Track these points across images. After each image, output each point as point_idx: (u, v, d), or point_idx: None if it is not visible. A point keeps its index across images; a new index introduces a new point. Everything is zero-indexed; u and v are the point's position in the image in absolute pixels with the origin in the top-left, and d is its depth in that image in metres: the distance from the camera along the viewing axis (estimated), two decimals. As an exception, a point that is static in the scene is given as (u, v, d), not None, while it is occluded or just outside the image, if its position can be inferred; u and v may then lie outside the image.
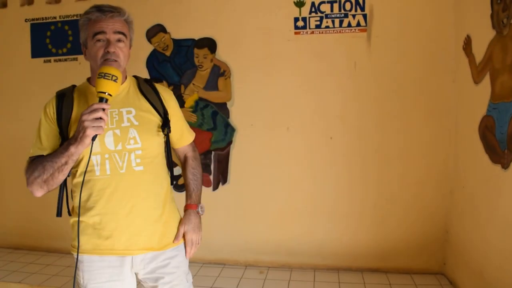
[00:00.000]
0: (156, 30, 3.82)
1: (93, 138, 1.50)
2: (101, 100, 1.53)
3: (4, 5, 4.10)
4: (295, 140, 3.60)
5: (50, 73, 4.02)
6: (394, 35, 3.37)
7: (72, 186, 1.73)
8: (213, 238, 3.75)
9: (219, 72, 3.73)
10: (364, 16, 3.38)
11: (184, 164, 1.99)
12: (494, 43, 2.60)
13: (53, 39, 4.02)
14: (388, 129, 3.43)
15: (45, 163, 1.57)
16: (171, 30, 3.79)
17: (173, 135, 1.84)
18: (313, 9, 3.47)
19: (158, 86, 1.87)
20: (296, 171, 3.61)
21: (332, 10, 3.44)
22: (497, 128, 2.53)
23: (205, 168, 3.81)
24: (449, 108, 3.32)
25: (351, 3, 3.40)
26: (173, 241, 1.80)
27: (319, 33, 3.48)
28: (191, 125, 3.74)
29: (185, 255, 1.86)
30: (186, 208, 1.91)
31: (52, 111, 1.69)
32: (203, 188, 3.67)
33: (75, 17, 3.93)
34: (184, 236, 1.85)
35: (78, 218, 1.62)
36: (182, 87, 3.81)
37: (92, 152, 1.56)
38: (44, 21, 4.01)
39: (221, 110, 3.76)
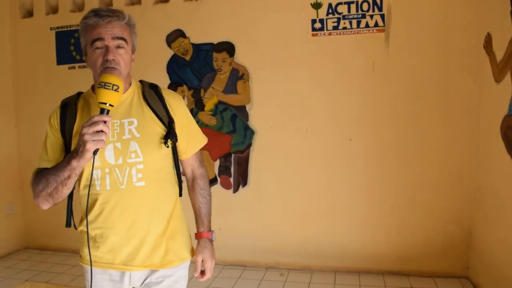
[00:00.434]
0: (175, 35, 3.88)
1: (95, 152, 1.42)
2: (102, 111, 1.45)
3: (30, 14, 4.25)
4: (314, 142, 3.59)
5: (74, 79, 4.13)
6: (413, 35, 3.32)
7: (80, 198, 1.66)
8: (234, 240, 3.78)
9: (238, 76, 3.76)
10: (382, 16, 3.35)
11: (191, 184, 1.85)
12: (515, 41, 2.54)
13: (77, 46, 4.13)
14: (408, 130, 3.38)
15: (49, 177, 1.51)
16: (190, 35, 3.84)
17: (178, 145, 1.72)
18: (330, 11, 3.46)
19: (165, 92, 1.75)
20: (315, 173, 3.60)
21: (349, 11, 3.42)
22: (518, 128, 2.47)
23: (226, 170, 3.84)
24: (470, 108, 3.26)
25: (369, 3, 3.37)
26: (194, 274, 1.75)
27: (337, 34, 3.47)
28: (212, 128, 3.80)
29: (198, 279, 1.78)
30: (200, 237, 1.80)
31: (56, 121, 1.64)
32: (224, 190, 3.80)
33: (97, 25, 4.02)
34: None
35: (87, 229, 1.57)
36: (202, 90, 3.86)
37: (93, 166, 1.49)
38: (68, 29, 4.14)
39: (240, 113, 3.79)
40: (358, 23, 3.41)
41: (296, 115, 3.63)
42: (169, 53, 3.91)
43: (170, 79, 3.93)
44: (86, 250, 1.61)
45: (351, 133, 3.50)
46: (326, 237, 3.57)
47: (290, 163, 3.66)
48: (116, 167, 1.58)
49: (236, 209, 3.80)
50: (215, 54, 3.80)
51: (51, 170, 1.53)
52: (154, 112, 1.66)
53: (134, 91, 1.69)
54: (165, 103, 1.71)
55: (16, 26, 4.30)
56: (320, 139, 3.58)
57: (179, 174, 1.77)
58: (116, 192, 1.59)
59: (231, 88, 3.79)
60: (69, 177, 1.48)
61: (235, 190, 3.83)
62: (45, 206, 1.57)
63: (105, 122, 1.41)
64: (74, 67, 4.15)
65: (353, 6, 3.41)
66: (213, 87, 3.83)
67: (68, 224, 1.68)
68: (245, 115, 3.77)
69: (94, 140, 1.38)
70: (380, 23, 3.36)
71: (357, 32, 3.42)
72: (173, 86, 3.92)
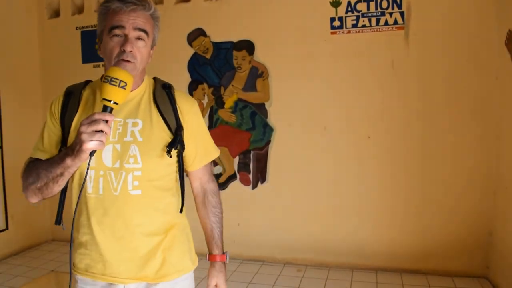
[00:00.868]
0: (196, 34, 3.95)
1: (91, 153, 1.27)
2: (105, 109, 1.29)
3: (57, 14, 4.39)
4: (332, 139, 3.61)
5: (99, 77, 4.24)
6: (433, 32, 3.30)
7: (74, 199, 1.49)
8: (252, 235, 3.84)
9: (257, 73, 3.81)
10: (402, 13, 3.34)
11: (201, 200, 1.67)
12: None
13: (101, 45, 4.24)
14: (428, 129, 3.36)
15: (40, 171, 1.37)
16: (211, 34, 3.91)
17: (186, 155, 1.56)
18: (349, 9, 3.47)
19: (178, 95, 1.56)
20: (333, 170, 3.62)
21: (368, 8, 3.42)
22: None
23: (245, 167, 3.90)
24: (492, 106, 3.22)
25: (388, 1, 3.37)
26: None
27: (356, 32, 3.47)
28: (231, 125, 3.86)
29: None
30: (214, 260, 1.67)
31: (57, 109, 1.49)
32: (243, 186, 3.85)
33: (121, 24, 4.13)
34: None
35: (71, 231, 1.42)
36: (222, 88, 3.92)
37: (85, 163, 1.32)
38: (93, 28, 4.25)
39: (259, 110, 3.83)
40: (378, 20, 3.41)
41: (315, 112, 3.65)
42: (190, 51, 3.98)
43: (191, 77, 4.00)
44: (77, 257, 1.49)
45: (369, 130, 3.50)
46: (344, 234, 3.59)
47: (309, 160, 3.69)
48: (111, 170, 1.42)
49: (254, 205, 3.85)
50: (235, 53, 3.85)
51: (43, 164, 1.39)
52: (162, 116, 1.50)
53: (145, 89, 1.53)
54: (176, 107, 1.53)
55: (44, 26, 4.45)
56: (338, 136, 3.59)
57: (183, 187, 1.58)
58: (109, 197, 1.43)
59: (250, 85, 3.84)
60: (61, 174, 1.34)
61: (254, 186, 3.88)
62: (34, 200, 1.43)
63: (106, 121, 1.26)
64: (98, 65, 4.27)
65: (372, 4, 3.41)
66: (233, 85, 3.89)
67: (57, 222, 1.50)
68: (264, 113, 3.82)
69: (92, 141, 1.23)
70: (400, 20, 3.35)
71: (376, 30, 3.42)
72: (193, 84, 3.99)
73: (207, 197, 1.68)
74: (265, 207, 3.83)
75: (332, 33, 3.54)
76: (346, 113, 3.56)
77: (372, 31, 3.43)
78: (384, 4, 3.37)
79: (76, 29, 4.32)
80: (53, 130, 1.49)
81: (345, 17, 3.48)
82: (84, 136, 1.23)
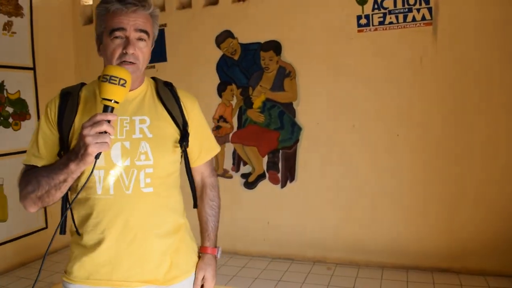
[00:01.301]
0: (224, 36, 4.02)
1: (97, 156, 1.23)
2: (106, 109, 1.27)
3: (91, 21, 4.53)
4: (361, 138, 3.60)
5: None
6: (462, 27, 3.25)
7: (73, 202, 1.44)
8: (282, 233, 3.88)
9: (284, 73, 3.84)
10: (429, 9, 3.30)
11: (200, 193, 1.70)
12: None
13: (132, 49, 4.37)
14: (458, 125, 3.31)
15: (40, 178, 1.32)
16: (238, 36, 3.96)
17: (190, 152, 1.57)
18: (375, 6, 3.45)
19: (180, 92, 1.58)
20: (362, 169, 3.61)
21: (395, 5, 3.40)
22: None
23: (274, 166, 3.94)
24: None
25: (415, -3, 3.34)
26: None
27: (383, 29, 3.45)
28: (260, 125, 3.91)
29: None
30: (204, 252, 1.66)
31: (53, 112, 1.43)
32: (272, 185, 3.89)
33: (151, 28, 4.24)
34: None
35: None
36: (250, 89, 3.97)
37: (96, 166, 1.27)
38: (125, 33, 4.38)
39: (287, 109, 3.86)
40: (405, 17, 3.38)
41: (343, 111, 3.65)
42: (218, 53, 4.05)
43: (220, 78, 4.07)
44: (76, 265, 1.43)
45: (398, 128, 3.48)
46: (373, 232, 3.58)
47: (337, 158, 3.69)
48: (122, 169, 1.39)
49: (283, 203, 3.89)
50: (262, 53, 3.90)
51: (43, 171, 1.34)
52: (168, 112, 1.50)
53: (147, 87, 1.53)
54: (180, 103, 1.55)
55: (78, 32, 4.62)
56: (367, 134, 3.59)
57: (192, 183, 1.63)
58: (121, 198, 1.40)
59: (278, 85, 3.87)
60: (65, 180, 1.30)
61: (283, 185, 3.92)
62: (33, 209, 1.38)
63: (109, 121, 1.23)
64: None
65: (399, 1, 3.38)
66: (260, 85, 3.93)
67: (63, 231, 1.44)
68: (292, 112, 3.85)
69: (97, 143, 1.20)
70: (428, 16, 3.31)
71: (404, 27, 3.39)
72: (222, 85, 4.06)
73: (206, 191, 1.70)
74: (294, 205, 3.86)
75: (359, 31, 3.54)
76: (375, 111, 3.54)
77: (399, 28, 3.41)
78: (411, 0, 3.34)
79: (109, 34, 4.46)
80: (48, 135, 1.42)
81: (372, 14, 3.47)
82: (88, 139, 1.19)
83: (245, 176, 4.05)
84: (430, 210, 3.42)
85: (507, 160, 3.23)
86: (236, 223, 4.06)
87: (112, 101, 1.26)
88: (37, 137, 1.43)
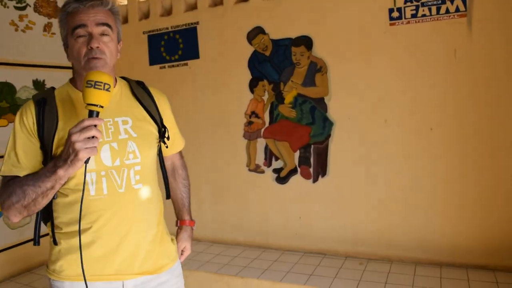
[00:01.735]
0: (255, 32, 4.06)
1: (86, 161, 1.27)
2: (91, 114, 1.29)
3: (126, 21, 4.67)
4: (393, 132, 3.57)
5: (165, 78, 4.50)
6: (498, 18, 3.15)
7: (55, 205, 1.48)
8: (314, 228, 3.90)
9: (316, 68, 3.84)
10: (464, 0, 3.22)
11: (172, 174, 1.83)
12: None
13: (166, 47, 4.48)
14: (493, 118, 3.22)
15: (26, 188, 1.32)
16: (269, 31, 3.99)
17: (163, 144, 1.65)
18: (408, -1, 3.41)
19: (152, 90, 1.67)
20: (394, 163, 3.58)
21: (428, -3, 3.34)
22: None
23: (305, 161, 3.95)
24: None
25: (449, -12, 3.27)
26: (179, 259, 1.75)
27: (415, 22, 3.40)
28: (291, 120, 3.94)
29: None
30: (184, 224, 1.86)
31: (31, 121, 1.42)
32: (304, 180, 3.92)
33: (184, 27, 4.33)
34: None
35: (79, 238, 1.38)
36: (282, 84, 3.99)
37: (86, 169, 1.33)
38: (159, 32, 4.50)
39: (319, 105, 3.87)
40: (438, 9, 3.32)
41: (375, 105, 3.63)
42: (250, 49, 4.09)
43: (252, 74, 4.11)
44: (66, 263, 1.47)
45: (431, 122, 3.43)
46: (406, 228, 3.55)
47: (369, 153, 3.67)
48: (113, 169, 1.44)
49: (315, 198, 3.91)
50: (293, 49, 3.91)
51: (28, 180, 1.34)
52: (146, 110, 1.58)
53: (121, 87, 1.59)
54: (155, 101, 1.63)
55: (114, 32, 4.75)
56: (399, 129, 3.55)
57: (165, 175, 1.73)
58: (115, 196, 1.45)
59: (309, 81, 3.88)
60: (52, 187, 1.31)
61: (315, 180, 3.93)
62: (16, 219, 1.38)
63: (95, 126, 1.26)
64: (164, 67, 4.51)
65: (432, -7, 3.33)
66: (292, 81, 3.95)
67: (37, 242, 1.48)
68: (324, 107, 3.85)
69: (87, 148, 1.23)
70: (462, 7, 3.24)
71: (437, 19, 3.33)
72: (254, 81, 4.10)
73: (177, 171, 1.86)
74: (326, 200, 3.87)
75: (391, 24, 3.49)
76: (407, 105, 3.50)
77: (432, 20, 3.35)
78: (445, -8, 3.28)
79: (143, 33, 4.59)
80: (28, 144, 1.41)
81: (404, 7, 3.42)
82: (78, 145, 1.21)
83: (277, 171, 4.09)
84: (465, 205, 3.36)
85: (546, 154, 3.13)
86: (268, 217, 4.11)
87: (98, 106, 1.29)
88: (15, 147, 1.41)
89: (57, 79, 4.11)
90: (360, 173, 3.72)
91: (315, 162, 3.93)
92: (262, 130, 4.12)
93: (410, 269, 3.40)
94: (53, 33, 4.23)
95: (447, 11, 3.28)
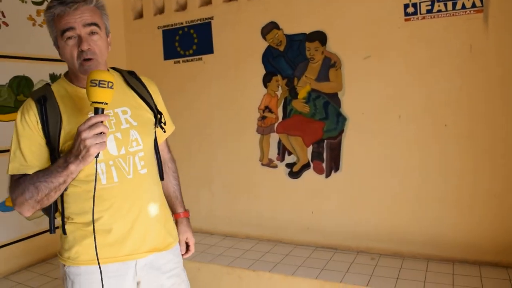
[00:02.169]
0: (270, 27, 4.07)
1: (97, 155, 1.36)
2: (97, 111, 1.37)
3: (141, 15, 4.72)
4: (407, 128, 3.56)
5: (179, 73, 4.54)
6: (515, 14, 3.13)
7: (65, 196, 1.55)
8: (326, 223, 3.91)
9: (330, 64, 3.84)
10: (480, -4, 3.21)
11: (163, 168, 1.88)
12: None
13: (181, 42, 4.51)
14: (508, 115, 3.19)
15: (38, 184, 1.39)
16: (283, 27, 4.00)
17: (158, 130, 1.75)
18: (423, -6, 3.39)
19: (143, 78, 1.76)
20: (408, 159, 3.57)
21: (444, -7, 3.32)
22: None
23: (318, 156, 3.96)
24: None
25: (465, -16, 3.25)
26: (183, 254, 1.85)
27: (431, 18, 3.38)
28: (305, 115, 3.95)
29: (182, 256, 1.86)
30: (180, 217, 1.90)
31: (34, 119, 1.47)
32: (317, 175, 3.93)
33: (198, 21, 4.36)
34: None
35: (93, 225, 1.47)
36: (295, 79, 4.00)
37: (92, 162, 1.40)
38: (173, 27, 4.53)
39: (332, 100, 3.87)
40: (454, 4, 3.29)
41: (389, 101, 3.62)
42: (264, 44, 4.10)
43: (265, 69, 4.13)
44: (81, 248, 1.53)
45: (446, 118, 3.41)
46: (418, 224, 3.54)
47: (383, 149, 3.67)
48: (119, 157, 1.53)
49: (328, 193, 3.92)
50: (307, 44, 3.92)
51: (39, 176, 1.42)
52: (142, 98, 1.67)
53: (115, 78, 1.57)
54: (147, 88, 1.73)
55: (129, 27, 4.81)
56: (413, 125, 3.54)
57: (159, 158, 1.81)
58: (124, 183, 1.54)
59: (323, 76, 3.88)
60: (64, 182, 1.40)
61: (328, 175, 3.94)
62: (29, 213, 1.47)
63: (101, 122, 1.35)
64: (178, 62, 4.54)
65: (448, -12, 3.30)
66: (306, 76, 3.96)
67: (53, 231, 1.59)
68: (337, 102, 3.85)
69: (96, 144, 1.32)
70: (478, 3, 3.21)
71: (453, 14, 3.31)
72: (268, 76, 4.12)
73: (167, 164, 1.92)
74: (338, 195, 3.88)
75: (406, 19, 3.48)
76: (421, 101, 3.49)
77: (448, 16, 3.32)
78: (461, -13, 3.25)
79: (158, 28, 4.63)
80: (33, 143, 1.47)
81: (420, 2, 3.40)
82: (88, 142, 1.30)
83: (289, 165, 4.10)
84: (478, 202, 3.35)
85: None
86: (280, 212, 4.13)
87: (103, 103, 1.37)
88: (20, 146, 1.47)
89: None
90: (373, 169, 3.72)
91: (328, 157, 3.94)
92: (276, 125, 4.13)
93: (422, 265, 3.40)
94: (70, 28, 4.29)
95: (463, 7, 3.26)
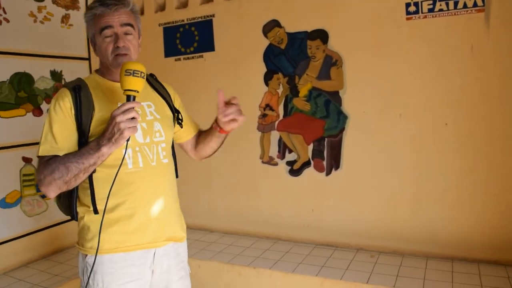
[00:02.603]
0: (271, 25, 4.07)
1: (128, 139, 1.47)
2: (129, 98, 1.49)
3: (142, 13, 4.70)
4: (408, 127, 3.57)
5: (180, 70, 4.54)
6: (517, 14, 3.15)
7: (93, 180, 1.63)
8: (326, 220, 3.93)
9: (331, 62, 3.85)
10: (482, -5, 3.22)
11: (195, 147, 2.06)
12: None
13: (182, 39, 4.51)
14: (507, 115, 3.22)
15: (69, 164, 1.48)
16: (285, 25, 4.01)
17: (178, 130, 1.93)
18: (425, -7, 3.40)
19: (162, 82, 1.96)
20: (408, 158, 3.59)
21: (446, -8, 3.33)
22: None
23: (319, 154, 3.98)
24: None
25: (467, -17, 3.26)
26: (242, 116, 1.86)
27: (432, 17, 3.40)
28: (306, 113, 3.97)
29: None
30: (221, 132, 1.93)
31: (68, 105, 1.58)
32: (317, 173, 3.95)
33: (200, 19, 4.36)
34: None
35: (103, 212, 1.57)
36: (297, 77, 4.01)
37: (122, 146, 1.50)
38: (174, 24, 4.53)
39: (333, 98, 3.88)
40: (455, 4, 3.31)
41: (390, 100, 3.63)
42: (265, 42, 4.11)
43: (267, 67, 4.14)
44: (105, 237, 1.58)
45: (447, 118, 3.43)
46: (418, 222, 3.57)
47: (383, 147, 3.69)
48: (145, 145, 1.65)
49: (328, 191, 3.94)
50: (309, 42, 3.93)
51: (70, 157, 1.50)
52: (163, 97, 1.85)
53: None
54: (166, 90, 1.93)
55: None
56: (414, 123, 3.55)
57: (175, 155, 1.91)
58: (148, 169, 1.66)
59: (324, 74, 3.89)
60: (94, 164, 1.49)
61: (328, 173, 3.96)
62: (54, 194, 1.54)
63: (133, 108, 1.47)
64: (179, 59, 4.55)
65: (450, -13, 3.31)
66: (307, 74, 3.97)
67: (75, 217, 1.68)
68: (338, 100, 3.86)
69: (129, 128, 1.42)
70: (480, 2, 3.23)
71: (454, 14, 3.32)
72: (269, 74, 4.13)
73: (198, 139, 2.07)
74: (338, 193, 3.90)
75: (407, 18, 3.49)
76: (422, 100, 3.50)
77: (449, 15, 3.34)
78: (463, -13, 3.27)
79: (159, 25, 4.63)
80: (65, 128, 1.57)
81: (421, 1, 3.42)
82: (123, 125, 1.42)
83: (290, 163, 4.12)
84: (477, 200, 3.37)
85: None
86: (280, 209, 4.15)
87: (135, 91, 1.50)
88: (52, 130, 1.57)
89: (73, 70, 4.17)
90: (374, 167, 3.74)
91: (328, 155, 3.95)
92: (276, 122, 4.15)
93: (422, 262, 3.42)
94: (71, 25, 4.28)
95: (465, 6, 3.27)
